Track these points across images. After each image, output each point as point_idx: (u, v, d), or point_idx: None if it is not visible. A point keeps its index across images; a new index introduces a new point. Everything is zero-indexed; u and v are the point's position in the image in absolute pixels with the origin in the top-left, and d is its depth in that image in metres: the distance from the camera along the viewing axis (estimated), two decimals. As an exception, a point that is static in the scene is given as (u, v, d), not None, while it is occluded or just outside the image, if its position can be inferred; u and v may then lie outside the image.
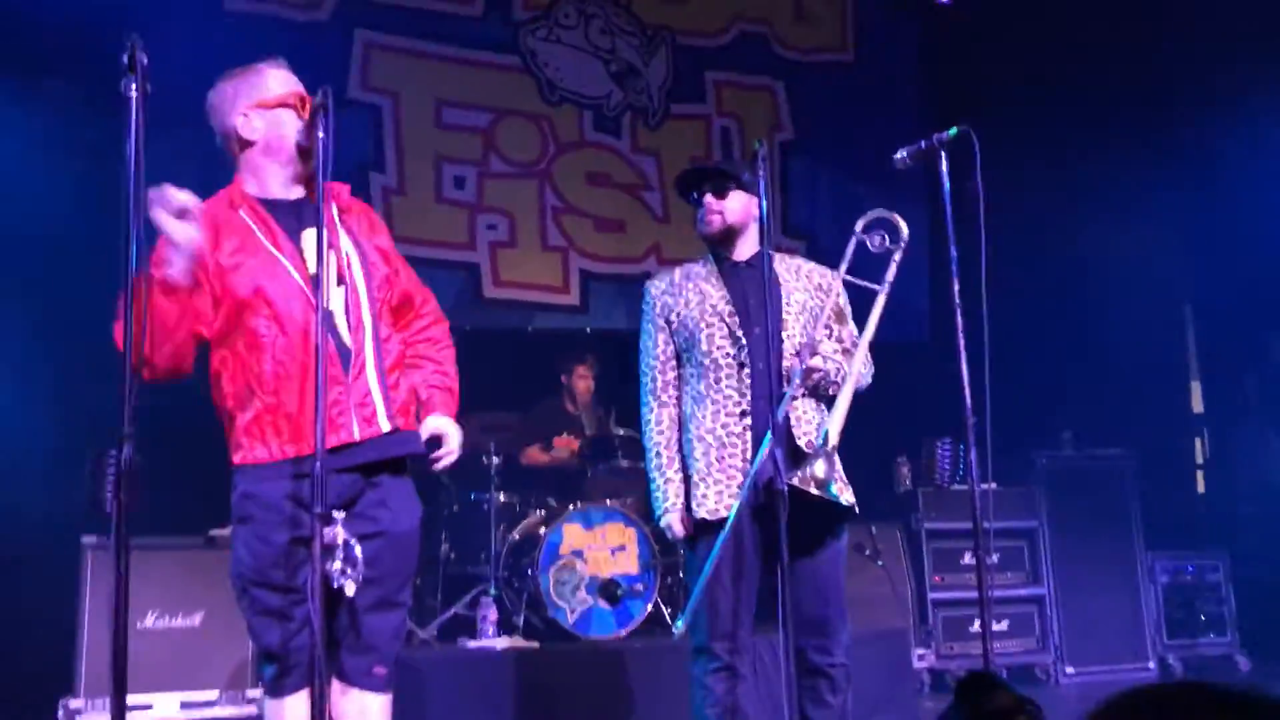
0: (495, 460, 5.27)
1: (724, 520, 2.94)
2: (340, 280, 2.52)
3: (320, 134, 2.36)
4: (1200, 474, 7.16)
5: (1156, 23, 6.23)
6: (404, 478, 2.65)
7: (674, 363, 3.13)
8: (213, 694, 4.35)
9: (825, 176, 7.12)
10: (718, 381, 3.02)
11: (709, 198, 3.16)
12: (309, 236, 2.54)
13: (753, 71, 7.19)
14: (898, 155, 2.95)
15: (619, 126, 6.88)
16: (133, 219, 2.00)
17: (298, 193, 2.64)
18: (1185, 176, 6.45)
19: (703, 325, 3.06)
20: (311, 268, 2.48)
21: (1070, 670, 5.73)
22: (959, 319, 2.81)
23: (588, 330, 6.51)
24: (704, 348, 3.05)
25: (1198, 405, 7.15)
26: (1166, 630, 5.96)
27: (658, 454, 3.11)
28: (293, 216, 2.58)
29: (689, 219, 7.33)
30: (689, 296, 3.12)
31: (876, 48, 7.35)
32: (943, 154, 2.82)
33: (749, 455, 2.96)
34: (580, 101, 6.80)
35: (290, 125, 2.59)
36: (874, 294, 3.03)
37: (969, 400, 2.78)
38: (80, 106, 5.25)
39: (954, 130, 2.80)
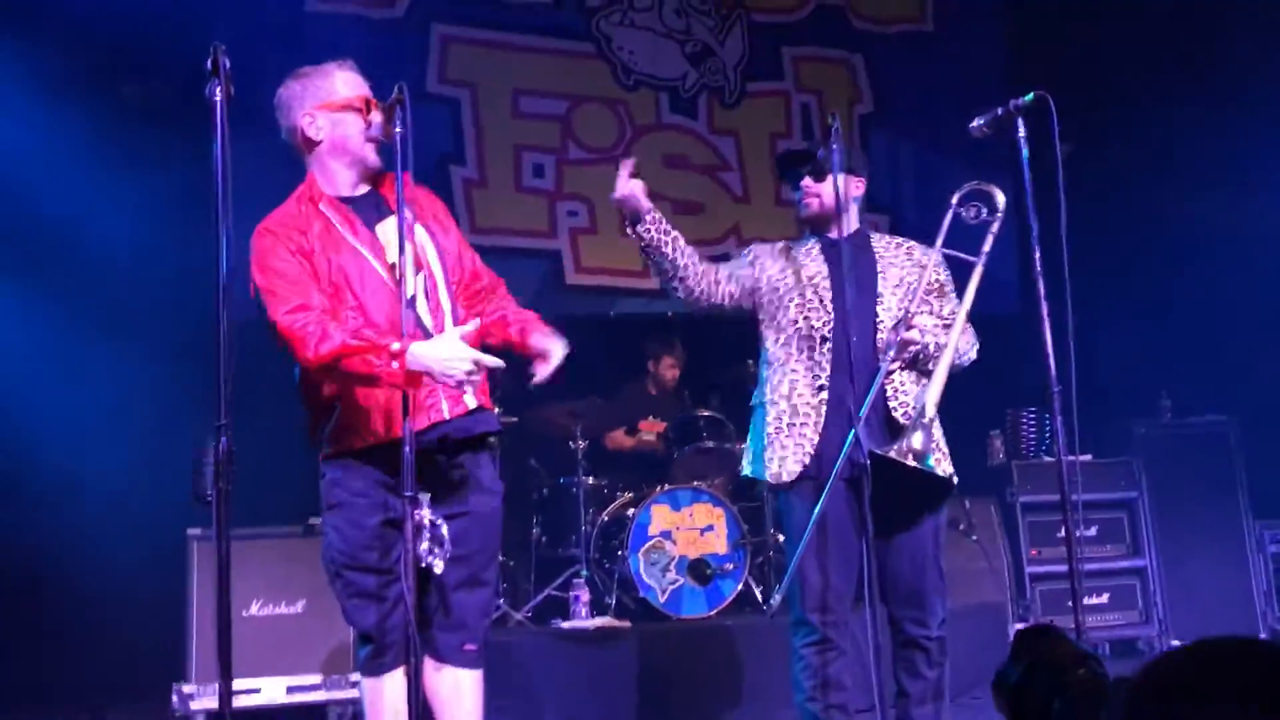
0: (582, 444, 5.32)
1: (792, 484, 2.98)
2: (418, 267, 2.58)
3: (398, 129, 2.41)
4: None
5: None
6: (486, 457, 2.70)
7: (731, 276, 3.14)
8: (316, 678, 4.49)
9: (907, 149, 7.02)
10: (800, 351, 3.04)
11: (807, 181, 3.15)
12: (384, 227, 2.61)
13: (830, 45, 7.10)
14: (974, 123, 2.91)
15: (695, 108, 6.86)
16: (221, 219, 2.07)
17: (364, 189, 2.71)
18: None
19: (794, 294, 3.08)
20: (390, 257, 2.55)
21: (1175, 644, 5.59)
22: (1041, 288, 2.77)
23: (669, 314, 6.52)
24: (791, 315, 3.07)
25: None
26: (1278, 601, 5.78)
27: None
28: (367, 210, 2.65)
29: (768, 198, 7.33)
30: (787, 265, 3.14)
31: (957, 17, 7.20)
32: (1020, 120, 2.78)
33: (820, 427, 2.97)
34: (656, 84, 6.79)
35: (354, 128, 2.65)
36: (971, 267, 3.01)
37: (1053, 370, 2.73)
38: (164, 110, 5.42)
39: (1030, 95, 2.76)
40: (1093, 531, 5.62)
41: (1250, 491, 5.82)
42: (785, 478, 2.98)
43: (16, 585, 5.00)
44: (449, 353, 2.43)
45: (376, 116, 2.64)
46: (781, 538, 5.15)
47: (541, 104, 6.57)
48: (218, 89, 2.11)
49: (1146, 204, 6.29)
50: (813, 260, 3.13)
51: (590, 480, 5.30)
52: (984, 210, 3.02)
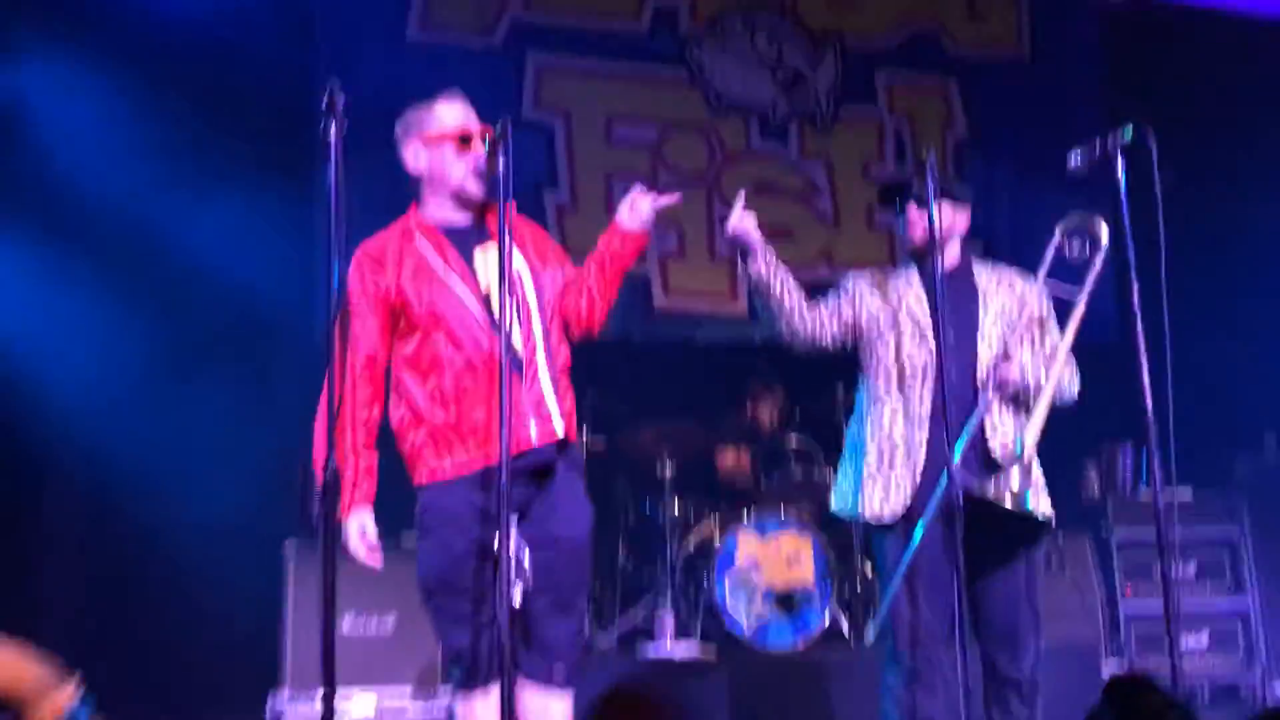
0: (669, 469, 5.34)
1: (891, 525, 2.95)
2: (511, 294, 2.63)
3: (500, 165, 2.48)
4: None
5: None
6: (574, 484, 2.74)
7: (834, 312, 3.15)
8: (405, 693, 4.57)
9: (1001, 176, 6.92)
10: (900, 386, 3.01)
11: (913, 209, 3.14)
12: (481, 256, 2.68)
13: (924, 71, 7.06)
14: (1071, 161, 2.88)
15: (786, 133, 6.87)
16: (334, 253, 2.14)
17: (468, 217, 2.77)
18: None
19: (894, 328, 3.06)
20: (483, 285, 2.61)
21: None
22: (1138, 323, 2.72)
23: (756, 340, 6.52)
24: (891, 349, 3.05)
25: None
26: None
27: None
28: (465, 238, 2.72)
29: (860, 223, 7.28)
30: (887, 297, 3.13)
31: (1054, 44, 7.10)
32: (1118, 155, 2.74)
33: (921, 464, 2.95)
34: (746, 111, 6.82)
35: (451, 160, 2.72)
36: (1073, 300, 2.98)
37: (1150, 404, 2.69)
38: (273, 138, 5.60)
39: (1129, 131, 2.72)
40: (1191, 570, 5.46)
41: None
42: (886, 518, 2.97)
43: (116, 592, 5.19)
44: (353, 543, 2.65)
45: (479, 147, 2.69)
46: (870, 570, 5.12)
47: (633, 130, 6.64)
48: (332, 127, 2.19)
49: (1249, 234, 6.12)
50: (912, 292, 3.11)
51: (677, 505, 5.31)
52: (1087, 244, 3.00)
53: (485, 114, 2.73)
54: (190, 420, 5.37)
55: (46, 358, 5.16)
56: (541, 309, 2.74)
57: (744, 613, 4.85)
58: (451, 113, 2.75)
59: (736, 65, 6.85)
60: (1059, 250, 3.02)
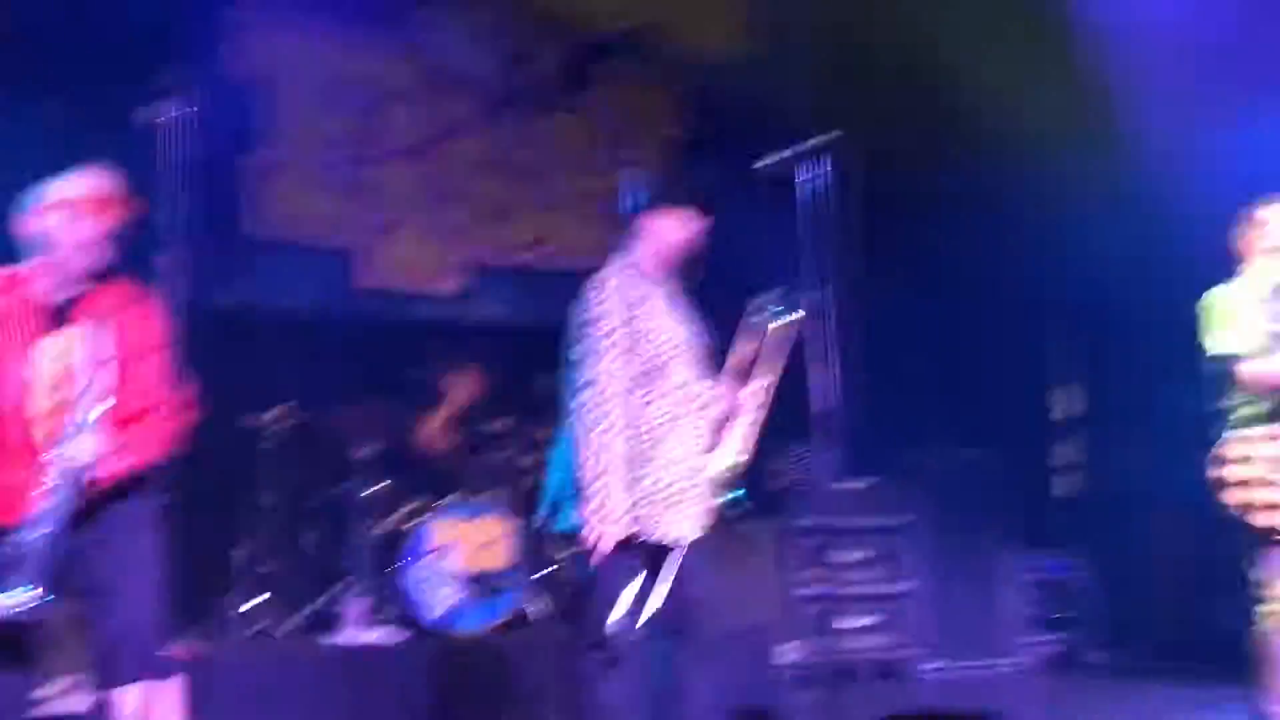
0: (365, 452, 5.16)
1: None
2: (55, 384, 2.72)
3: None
4: (1060, 477, 7.39)
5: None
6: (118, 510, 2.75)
7: (630, 375, 2.94)
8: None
9: (712, 178, 7.11)
10: (687, 413, 3.00)
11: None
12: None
13: (645, 66, 7.16)
14: (758, 164, 2.97)
15: (508, 114, 6.80)
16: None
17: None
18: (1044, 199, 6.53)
19: (673, 351, 3.01)
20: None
21: (934, 665, 5.82)
22: (824, 326, 2.86)
23: (470, 319, 6.43)
24: (675, 378, 2.99)
25: (1070, 410, 7.37)
26: (1030, 627, 6.11)
27: (607, 460, 2.88)
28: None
29: (578, 208, 7.25)
30: (658, 320, 3.02)
31: (771, 46, 7.35)
32: (802, 164, 2.85)
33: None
34: (469, 87, 6.70)
35: None
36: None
37: (822, 404, 2.83)
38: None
39: (812, 141, 2.83)
40: (864, 555, 5.77)
41: (1023, 522, 6.12)
42: (686, 539, 2.96)
43: None
44: None
45: None
46: (561, 555, 5.13)
47: (347, 97, 6.37)
48: None
49: (944, 241, 6.50)
50: (673, 312, 3.07)
51: (370, 489, 5.14)
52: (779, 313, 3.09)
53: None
54: None
55: None
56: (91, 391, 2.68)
57: (436, 596, 4.77)
58: None
59: (460, 40, 6.70)
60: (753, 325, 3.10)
